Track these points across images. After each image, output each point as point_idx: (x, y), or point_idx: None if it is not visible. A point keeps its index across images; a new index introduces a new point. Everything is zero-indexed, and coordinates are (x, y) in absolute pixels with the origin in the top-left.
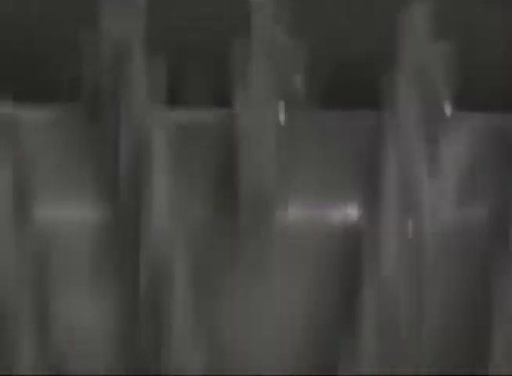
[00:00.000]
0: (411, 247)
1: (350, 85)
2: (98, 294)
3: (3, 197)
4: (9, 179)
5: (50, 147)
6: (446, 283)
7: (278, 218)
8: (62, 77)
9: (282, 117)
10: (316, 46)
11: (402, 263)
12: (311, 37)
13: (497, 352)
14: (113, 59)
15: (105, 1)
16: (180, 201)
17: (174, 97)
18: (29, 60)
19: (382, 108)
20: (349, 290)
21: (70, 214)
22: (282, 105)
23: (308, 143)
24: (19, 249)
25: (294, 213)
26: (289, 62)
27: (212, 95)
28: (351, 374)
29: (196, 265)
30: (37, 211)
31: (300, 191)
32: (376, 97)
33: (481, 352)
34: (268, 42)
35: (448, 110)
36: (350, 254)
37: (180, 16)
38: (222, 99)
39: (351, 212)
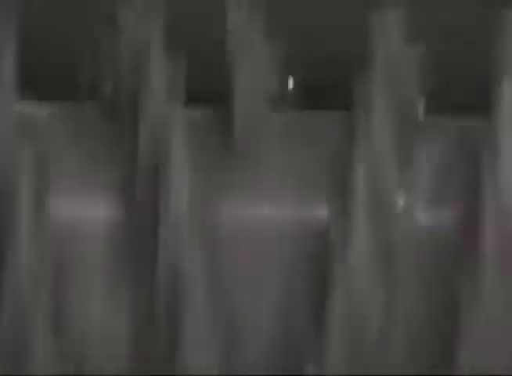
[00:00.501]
0: (380, 249)
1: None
2: (113, 295)
3: (22, 195)
4: (28, 178)
5: (68, 146)
6: (416, 286)
7: None
8: (81, 76)
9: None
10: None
11: (372, 264)
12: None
13: (462, 356)
14: (132, 59)
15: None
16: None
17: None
18: (49, 59)
19: (354, 109)
20: (319, 290)
21: (86, 214)
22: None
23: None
24: (35, 249)
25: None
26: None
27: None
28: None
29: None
30: (54, 211)
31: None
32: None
33: (447, 355)
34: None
35: (421, 112)
36: (320, 256)
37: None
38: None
39: (322, 213)
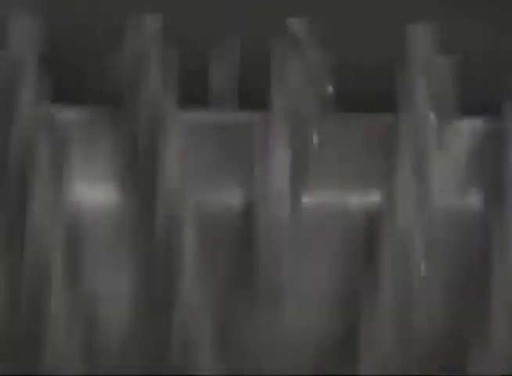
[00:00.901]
0: (423, 227)
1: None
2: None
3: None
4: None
5: (83, 142)
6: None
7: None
8: (89, 83)
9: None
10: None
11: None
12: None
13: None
14: (133, 68)
15: (128, 17)
16: None
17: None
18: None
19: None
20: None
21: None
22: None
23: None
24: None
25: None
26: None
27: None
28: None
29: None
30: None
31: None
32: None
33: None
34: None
35: (454, 114)
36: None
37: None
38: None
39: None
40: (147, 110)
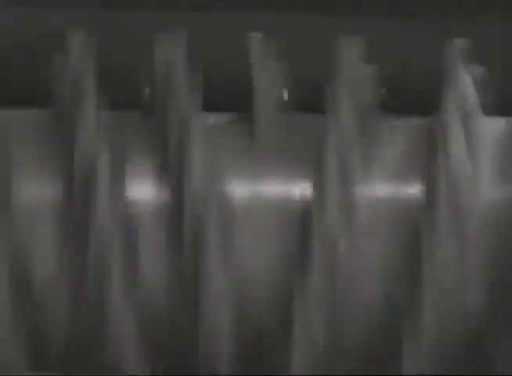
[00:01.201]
0: (346, 215)
1: None
2: None
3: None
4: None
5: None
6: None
7: None
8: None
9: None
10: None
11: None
12: None
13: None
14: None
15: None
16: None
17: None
18: None
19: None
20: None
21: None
22: None
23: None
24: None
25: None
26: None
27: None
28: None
29: None
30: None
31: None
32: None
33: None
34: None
35: (377, 115)
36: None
37: None
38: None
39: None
40: (175, 114)
